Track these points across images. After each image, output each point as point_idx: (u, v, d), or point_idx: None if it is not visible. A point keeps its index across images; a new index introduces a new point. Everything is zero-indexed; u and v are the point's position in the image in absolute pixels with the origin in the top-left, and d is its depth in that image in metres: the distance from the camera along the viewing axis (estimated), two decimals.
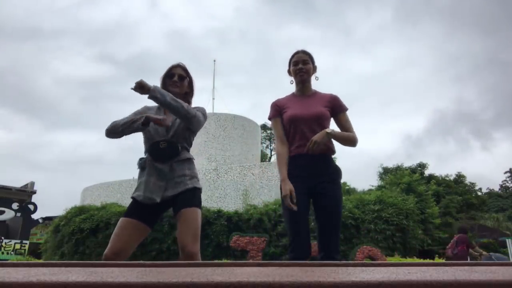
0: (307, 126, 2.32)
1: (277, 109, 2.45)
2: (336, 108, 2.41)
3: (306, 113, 2.34)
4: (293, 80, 2.51)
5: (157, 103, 2.06)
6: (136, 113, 2.26)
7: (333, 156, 2.39)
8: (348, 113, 2.45)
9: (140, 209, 2.07)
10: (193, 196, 2.08)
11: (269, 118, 2.51)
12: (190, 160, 2.21)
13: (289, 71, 2.54)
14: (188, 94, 2.39)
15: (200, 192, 2.16)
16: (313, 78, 2.52)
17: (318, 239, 2.20)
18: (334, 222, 2.20)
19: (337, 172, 2.33)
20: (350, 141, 2.36)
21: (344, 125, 2.40)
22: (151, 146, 2.13)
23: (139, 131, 2.16)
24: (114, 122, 2.17)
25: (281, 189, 2.25)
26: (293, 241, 2.17)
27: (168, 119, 2.15)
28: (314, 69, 2.51)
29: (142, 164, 2.18)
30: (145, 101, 2.33)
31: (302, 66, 2.43)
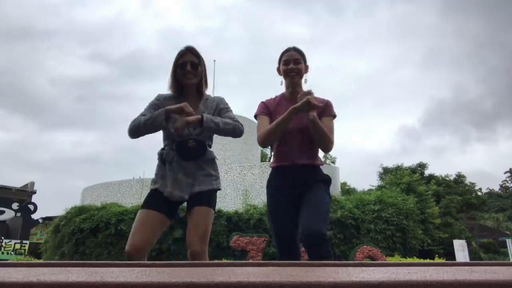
0: (296, 140, 2.14)
1: (267, 109, 2.24)
2: (323, 112, 2.17)
3: (296, 125, 2.11)
4: (283, 80, 2.30)
5: (213, 132, 2.06)
6: (152, 105, 2.15)
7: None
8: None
9: (160, 200, 2.00)
10: (210, 196, 2.05)
11: (256, 115, 2.26)
12: (214, 161, 2.18)
13: (278, 70, 2.31)
14: (200, 83, 2.20)
15: (216, 192, 2.13)
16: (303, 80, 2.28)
17: (301, 220, 1.92)
18: (322, 206, 1.96)
19: (325, 180, 2.14)
20: (325, 138, 2.06)
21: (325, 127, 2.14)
22: (179, 144, 2.04)
23: (163, 127, 2.05)
24: (134, 120, 2.04)
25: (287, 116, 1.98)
26: (280, 253, 2.07)
27: (188, 108, 1.98)
28: (306, 69, 2.27)
29: (164, 157, 2.09)
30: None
31: (293, 66, 2.20)
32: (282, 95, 2.32)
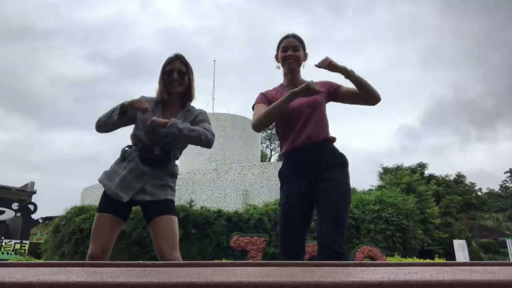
0: (304, 116, 2.03)
1: (266, 99, 2.15)
2: (331, 90, 2.13)
3: (300, 102, 2.02)
4: (280, 66, 2.23)
5: (175, 138, 2.02)
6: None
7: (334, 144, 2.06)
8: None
9: (112, 203, 2.00)
10: (169, 206, 2.02)
11: (255, 104, 2.17)
12: (175, 175, 2.13)
13: (276, 57, 2.24)
14: (186, 92, 2.18)
15: (173, 203, 2.10)
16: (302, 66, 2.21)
17: (318, 234, 1.85)
18: (340, 212, 1.85)
19: (341, 158, 2.02)
20: (372, 88, 2.00)
21: (352, 89, 2.08)
22: (145, 147, 2.03)
23: (120, 123, 2.05)
24: (100, 116, 2.09)
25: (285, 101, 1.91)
26: (282, 243, 2.00)
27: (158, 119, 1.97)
28: (305, 56, 2.21)
29: (125, 155, 2.08)
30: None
31: (292, 52, 2.14)
32: (281, 84, 2.25)
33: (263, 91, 2.25)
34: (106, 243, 1.93)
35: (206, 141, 2.04)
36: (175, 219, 2.00)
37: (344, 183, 1.95)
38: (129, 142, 2.15)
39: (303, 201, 1.97)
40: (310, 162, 1.98)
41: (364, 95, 2.04)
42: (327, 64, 1.95)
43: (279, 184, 2.14)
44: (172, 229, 1.95)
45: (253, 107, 2.19)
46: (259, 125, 2.05)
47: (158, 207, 1.98)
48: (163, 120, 1.95)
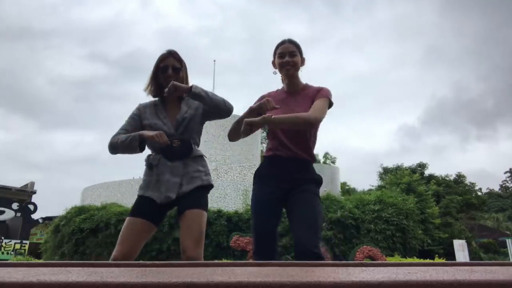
0: (291, 131, 2.06)
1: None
2: (316, 98, 2.10)
3: (295, 112, 2.04)
4: (276, 71, 2.23)
5: (202, 102, 2.01)
6: (132, 117, 2.15)
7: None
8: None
9: (147, 207, 1.99)
10: (201, 196, 2.00)
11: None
12: (202, 157, 2.13)
13: (273, 63, 2.24)
14: None
15: (210, 189, 2.10)
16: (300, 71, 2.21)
17: (294, 236, 1.89)
18: (314, 216, 1.89)
19: (319, 178, 2.10)
20: (293, 122, 1.96)
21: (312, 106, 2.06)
22: (165, 148, 2.01)
23: (137, 151, 2.04)
24: (114, 137, 2.06)
25: (244, 121, 1.89)
26: (258, 243, 2.01)
27: (163, 136, 1.96)
28: (302, 61, 2.21)
29: (150, 162, 2.07)
30: (143, 100, 2.24)
31: (288, 58, 2.13)
32: (282, 88, 2.27)
33: (267, 93, 2.26)
34: (132, 248, 1.90)
35: (226, 108, 2.06)
36: (202, 213, 1.95)
37: (319, 198, 2.04)
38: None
39: (276, 203, 2.03)
40: (290, 173, 2.04)
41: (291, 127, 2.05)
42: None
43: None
44: (198, 224, 1.90)
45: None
46: (232, 136, 2.18)
47: (190, 200, 1.96)
48: (184, 86, 1.95)
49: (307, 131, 2.09)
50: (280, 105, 2.03)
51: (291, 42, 2.20)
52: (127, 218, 1.98)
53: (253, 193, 2.11)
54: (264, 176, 2.09)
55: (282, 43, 2.20)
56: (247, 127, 1.86)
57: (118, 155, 2.12)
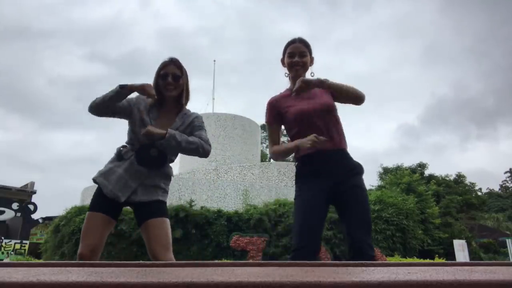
0: (320, 119, 2.03)
1: (275, 111, 2.16)
2: (330, 92, 2.13)
3: (314, 106, 2.05)
4: (287, 72, 2.23)
5: (174, 150, 2.06)
6: (128, 101, 2.14)
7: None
8: (342, 109, 2.15)
9: (105, 202, 2.00)
10: (162, 208, 2.03)
11: (267, 123, 2.22)
12: (169, 176, 2.14)
13: (283, 61, 2.24)
14: (181, 96, 2.17)
15: (165, 205, 2.12)
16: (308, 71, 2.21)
17: (350, 237, 1.88)
18: (366, 214, 1.94)
19: (360, 168, 2.07)
20: (352, 92, 2.04)
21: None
22: (141, 148, 2.04)
23: (114, 107, 2.03)
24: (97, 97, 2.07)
25: (296, 150, 2.01)
26: (301, 240, 1.89)
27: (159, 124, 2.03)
28: (311, 60, 2.21)
29: (121, 154, 2.07)
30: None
31: (298, 59, 2.14)
32: (288, 88, 2.24)
33: (273, 97, 2.22)
34: (97, 243, 1.93)
35: (203, 152, 2.08)
36: (167, 220, 2.01)
37: (366, 192, 2.03)
38: (125, 140, 2.15)
39: (322, 201, 1.98)
40: (331, 167, 2.00)
41: (343, 99, 2.11)
42: (304, 86, 1.97)
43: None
44: (165, 231, 1.96)
45: (264, 126, 2.26)
46: (277, 159, 2.23)
47: (150, 209, 1.99)
48: (160, 131, 1.95)
49: (337, 118, 2.12)
50: (301, 100, 2.08)
51: (301, 41, 2.19)
52: (87, 213, 2.01)
53: (300, 192, 2.03)
54: (307, 175, 2.03)
55: (293, 42, 2.19)
56: (303, 85, 1.95)
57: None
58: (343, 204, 1.98)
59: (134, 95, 2.15)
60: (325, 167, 1.99)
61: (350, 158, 2.08)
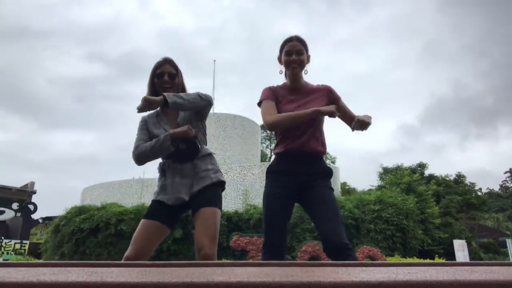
0: (305, 125, 2.10)
1: (273, 94, 2.20)
2: (332, 101, 2.20)
3: (304, 109, 2.10)
4: (282, 70, 2.27)
5: (181, 109, 2.04)
6: (141, 129, 2.18)
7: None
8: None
9: (162, 210, 2.03)
10: (212, 194, 2.03)
11: (261, 100, 2.20)
12: (211, 155, 2.17)
13: (279, 59, 2.26)
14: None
15: (224, 186, 2.13)
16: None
17: (321, 230, 1.92)
18: (336, 210, 1.98)
19: (330, 171, 2.14)
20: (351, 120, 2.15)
21: (348, 110, 2.21)
22: (173, 152, 2.05)
23: (170, 151, 2.07)
24: (139, 148, 2.08)
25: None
26: (266, 238, 2.03)
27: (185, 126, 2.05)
28: (308, 59, 2.24)
29: (162, 167, 2.13)
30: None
31: (295, 57, 2.16)
32: (286, 83, 2.28)
33: (271, 85, 2.27)
34: (145, 249, 1.93)
35: (206, 102, 2.09)
36: (216, 211, 1.98)
37: (333, 191, 2.10)
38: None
39: (288, 198, 2.07)
40: (303, 167, 2.09)
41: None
42: (332, 110, 2.01)
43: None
44: (213, 222, 1.94)
45: (259, 103, 2.22)
46: (272, 128, 2.12)
47: (202, 198, 1.99)
48: (157, 98, 1.94)
49: (321, 124, 2.19)
50: (293, 102, 2.15)
51: (298, 39, 2.21)
52: (141, 221, 2.03)
53: (268, 189, 2.13)
54: (278, 173, 2.11)
55: (290, 40, 2.21)
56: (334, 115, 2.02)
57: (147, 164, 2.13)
58: (309, 203, 2.05)
59: (139, 121, 2.22)
60: (296, 167, 2.08)
61: (323, 163, 2.18)
